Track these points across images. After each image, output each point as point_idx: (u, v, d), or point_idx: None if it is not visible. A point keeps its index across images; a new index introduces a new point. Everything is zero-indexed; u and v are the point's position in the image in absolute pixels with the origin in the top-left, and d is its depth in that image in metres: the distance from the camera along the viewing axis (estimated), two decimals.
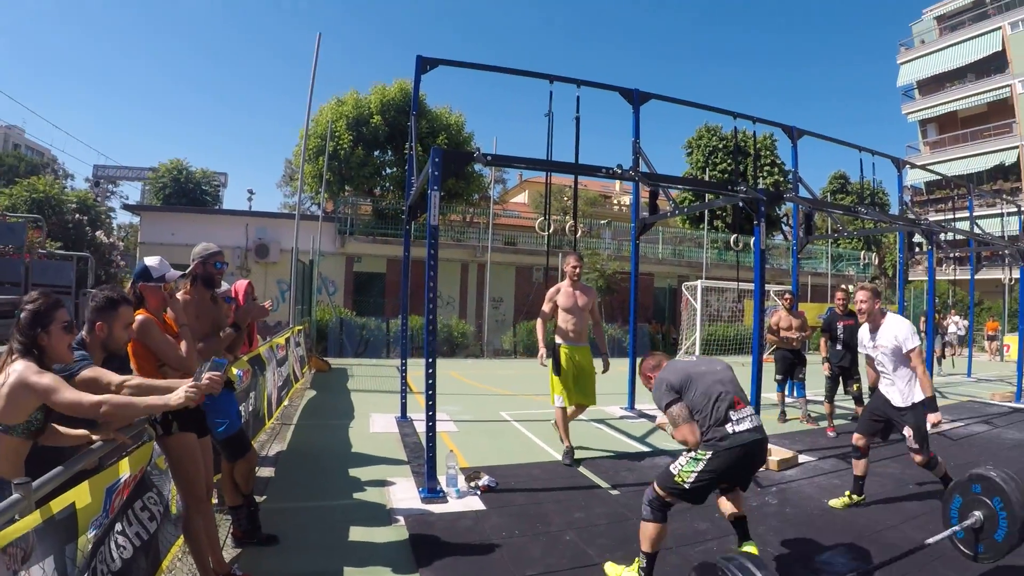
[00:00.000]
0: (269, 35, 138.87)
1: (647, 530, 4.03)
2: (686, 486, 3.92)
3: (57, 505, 2.56)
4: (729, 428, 3.91)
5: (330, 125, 24.97)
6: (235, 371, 6.12)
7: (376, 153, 27.92)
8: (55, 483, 2.62)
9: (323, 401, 11.07)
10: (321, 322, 19.73)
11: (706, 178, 33.07)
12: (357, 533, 5.05)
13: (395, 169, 28.04)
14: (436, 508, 5.66)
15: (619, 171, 7.69)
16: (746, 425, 3.94)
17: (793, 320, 10.04)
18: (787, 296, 10.35)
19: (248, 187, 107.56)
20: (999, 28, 43.33)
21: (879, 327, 5.86)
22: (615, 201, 48.73)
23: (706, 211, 30.86)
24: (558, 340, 7.39)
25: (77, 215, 22.82)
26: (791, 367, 10.14)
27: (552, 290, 7.54)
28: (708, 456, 3.88)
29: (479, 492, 6.10)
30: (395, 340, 20.43)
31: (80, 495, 2.76)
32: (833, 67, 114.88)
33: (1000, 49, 43.10)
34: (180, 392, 3.16)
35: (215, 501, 4.89)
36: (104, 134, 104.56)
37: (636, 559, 4.16)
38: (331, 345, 19.69)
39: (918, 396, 5.64)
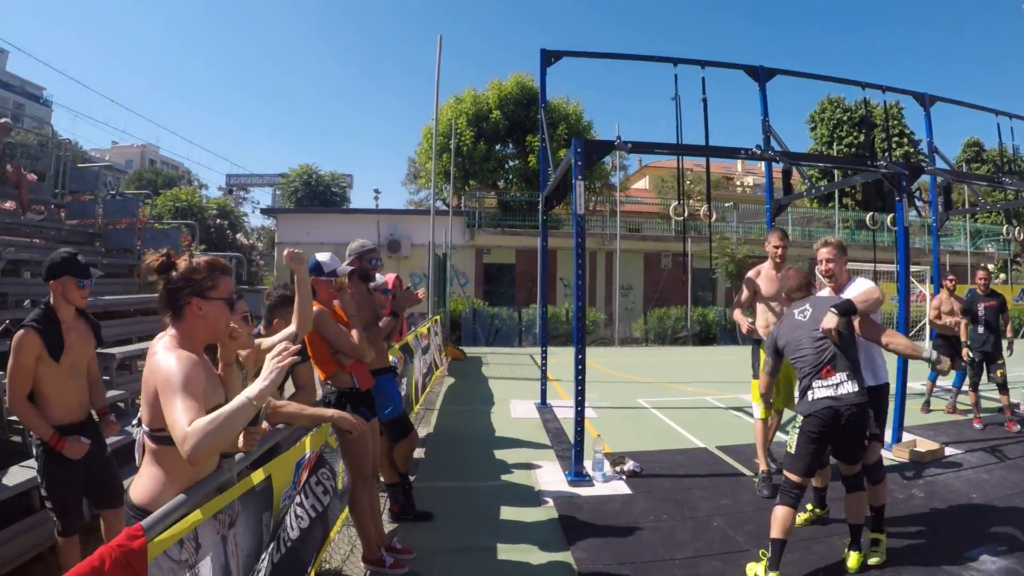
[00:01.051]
0: (385, 40, 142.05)
1: (776, 514, 4.08)
2: (791, 451, 4.20)
3: (257, 477, 2.82)
4: (809, 396, 4.20)
5: (452, 122, 25.53)
6: (391, 358, 6.39)
7: (497, 147, 28.41)
8: (251, 459, 2.89)
9: (463, 387, 11.45)
10: (455, 312, 20.33)
11: (833, 153, 31.71)
12: (507, 512, 5.24)
13: (517, 162, 28.49)
14: (583, 491, 5.79)
15: (757, 152, 7.48)
16: (825, 392, 4.14)
17: (955, 303, 9.24)
18: (950, 278, 9.53)
19: (374, 187, 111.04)
20: None
21: (844, 292, 4.82)
22: (737, 182, 47.38)
23: (836, 191, 29.58)
24: (759, 334, 6.21)
25: (218, 220, 24.24)
26: (955, 353, 9.10)
27: (751, 273, 6.47)
28: (800, 423, 4.23)
29: (624, 477, 6.19)
30: (526, 329, 20.98)
31: (275, 469, 3.02)
32: (965, 29, 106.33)
33: None
34: (346, 416, 3.66)
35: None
36: (234, 144, 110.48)
37: (762, 552, 4.16)
38: (464, 334, 20.26)
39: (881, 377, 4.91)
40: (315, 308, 4.01)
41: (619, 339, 22.29)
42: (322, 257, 4.21)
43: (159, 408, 2.18)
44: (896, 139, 33.05)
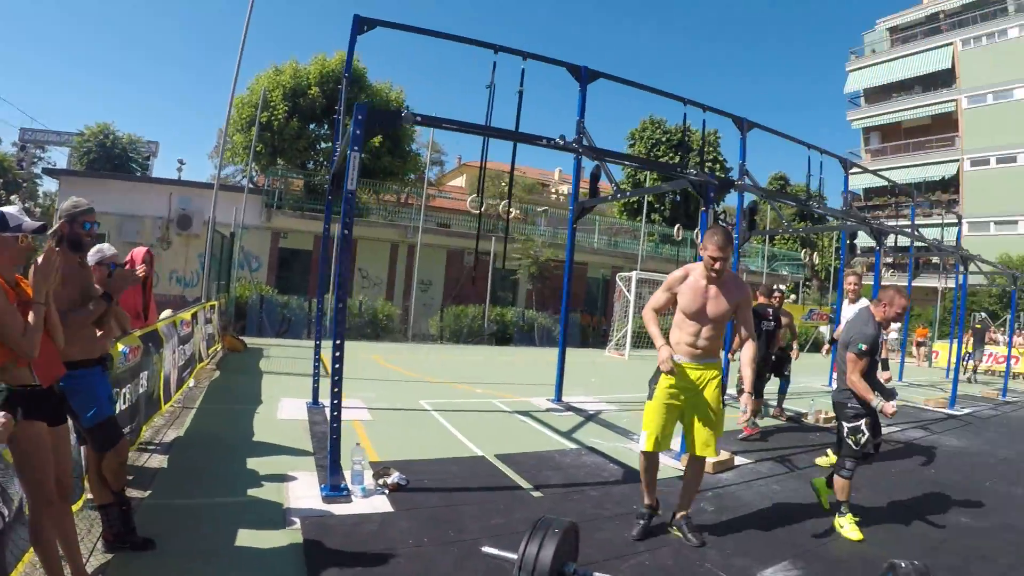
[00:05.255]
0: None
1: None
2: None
3: None
4: None
5: (264, 93, 23.92)
6: (120, 347, 5.46)
7: (312, 126, 27.01)
8: None
9: (231, 382, 10.34)
10: (241, 299, 18.85)
11: (646, 172, 32.95)
12: (246, 537, 4.43)
13: (331, 143, 27.07)
14: (338, 508, 5.07)
15: (562, 142, 7.42)
16: None
17: (782, 318, 9.85)
18: (776, 294, 10.01)
19: (180, 157, 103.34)
20: (951, 44, 44.74)
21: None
22: (553, 189, 48.54)
23: (645, 202, 30.67)
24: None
25: None
26: (779, 364, 10.20)
27: (676, 275, 4.95)
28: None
29: (387, 491, 5.50)
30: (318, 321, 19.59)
31: None
32: (779, 72, 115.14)
33: (950, 66, 44.43)
34: None
35: (88, 496, 4.31)
36: (35, 95, 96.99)
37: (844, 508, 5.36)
38: (250, 323, 18.75)
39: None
40: None
41: (412, 335, 21.60)
42: (8, 209, 3.21)
43: None
44: (709, 164, 34.65)
